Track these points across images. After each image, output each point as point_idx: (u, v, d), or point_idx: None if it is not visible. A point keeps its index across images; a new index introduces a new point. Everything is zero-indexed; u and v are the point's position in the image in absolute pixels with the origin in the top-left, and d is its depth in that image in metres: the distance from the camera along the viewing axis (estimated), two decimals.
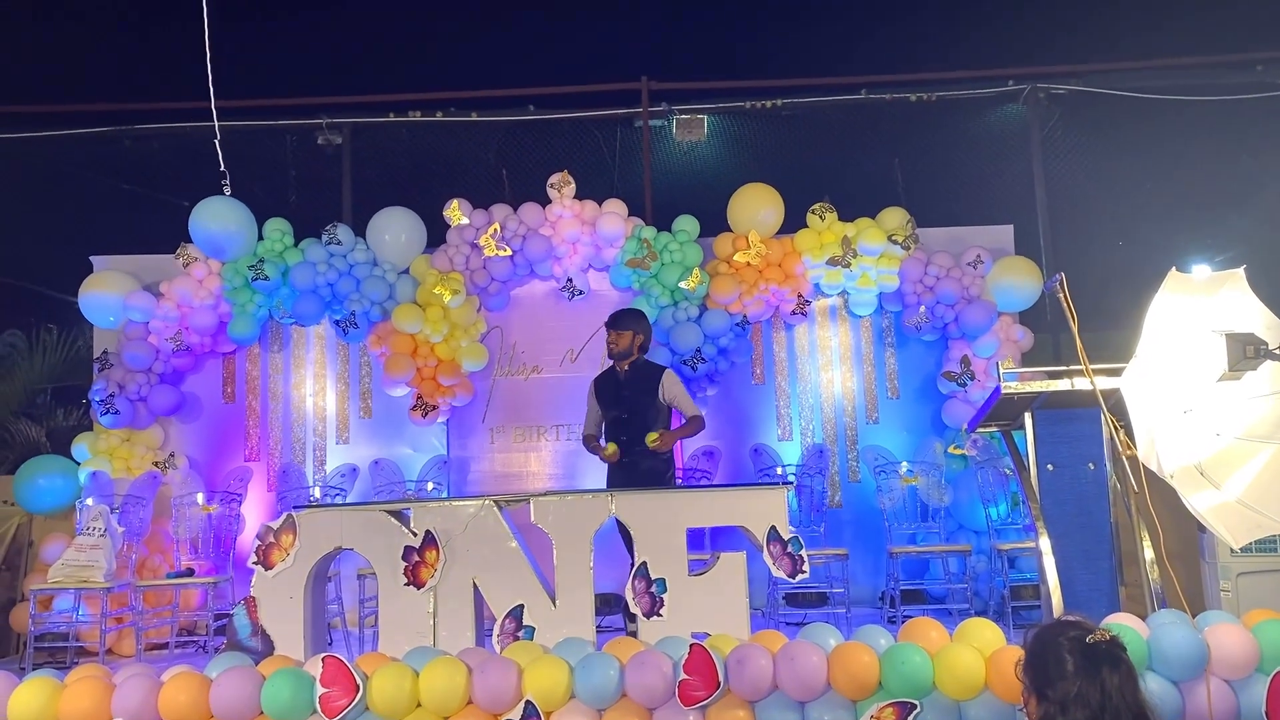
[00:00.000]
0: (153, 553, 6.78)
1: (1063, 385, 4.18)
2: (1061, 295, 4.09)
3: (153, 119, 8.70)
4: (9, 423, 8.18)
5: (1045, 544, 4.22)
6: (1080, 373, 4.09)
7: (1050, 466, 4.32)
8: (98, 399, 6.82)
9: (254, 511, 7.12)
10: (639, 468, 5.20)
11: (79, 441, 6.98)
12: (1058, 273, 4.13)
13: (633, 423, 5.29)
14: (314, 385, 7.43)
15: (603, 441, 5.44)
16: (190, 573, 6.40)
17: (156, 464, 7.03)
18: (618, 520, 4.28)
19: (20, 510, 7.01)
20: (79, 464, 6.90)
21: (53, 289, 9.91)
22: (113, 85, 9.99)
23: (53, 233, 9.35)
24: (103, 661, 5.94)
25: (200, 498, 6.70)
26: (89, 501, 6.30)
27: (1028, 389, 4.20)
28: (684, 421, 5.47)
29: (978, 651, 3.54)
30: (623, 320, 5.50)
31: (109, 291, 7.08)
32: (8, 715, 3.55)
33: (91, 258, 7.48)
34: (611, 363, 5.60)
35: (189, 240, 7.11)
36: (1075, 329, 4.04)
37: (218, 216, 6.98)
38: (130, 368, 6.92)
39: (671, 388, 5.44)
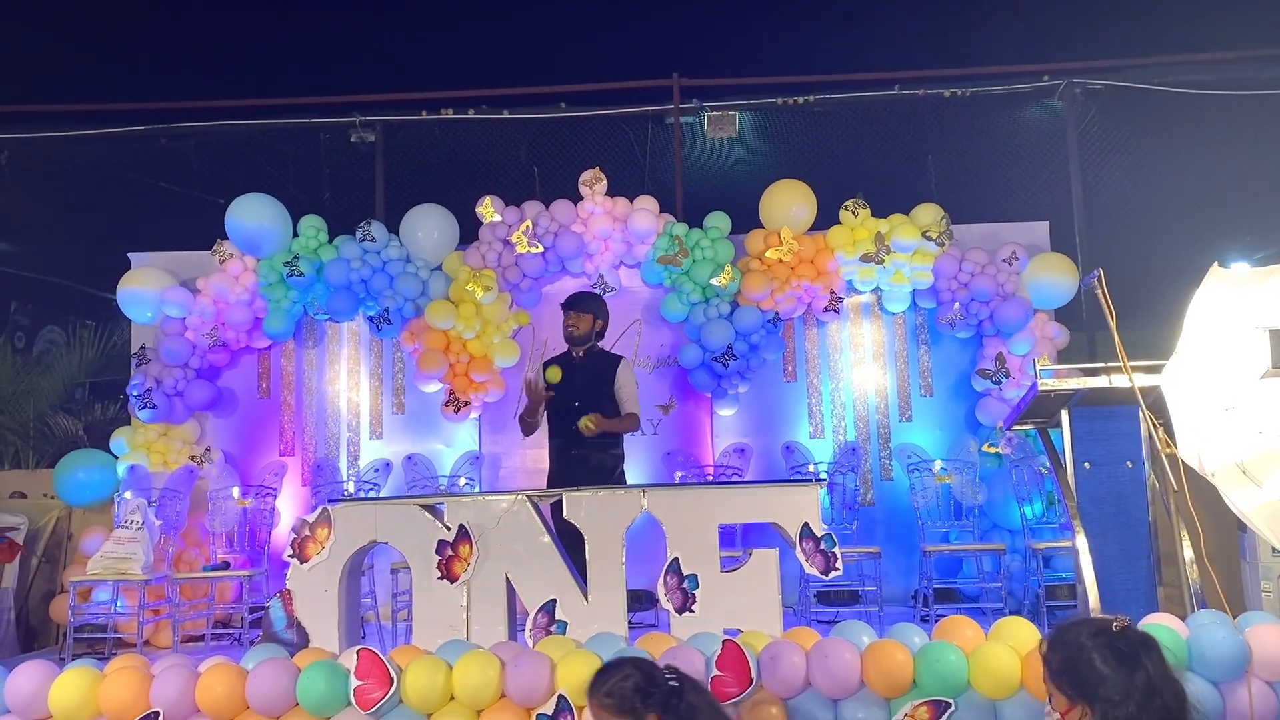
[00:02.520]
0: (189, 546, 6.86)
1: (1100, 382, 4.14)
2: (1100, 292, 4.04)
3: (189, 118, 8.83)
4: (48, 417, 8.29)
5: (1082, 543, 4.18)
6: (1119, 369, 4.04)
7: (1087, 465, 4.28)
8: (135, 393, 6.91)
9: (289, 505, 7.19)
10: (588, 462, 4.98)
11: (117, 435, 7.07)
12: (1096, 269, 4.08)
13: (585, 411, 5.00)
14: (348, 381, 7.49)
15: (545, 429, 5.21)
16: (226, 566, 6.46)
17: (193, 458, 7.11)
18: (561, 522, 4.22)
19: (60, 503, 7.12)
20: (117, 458, 6.99)
21: (91, 286, 10.07)
22: (149, 84, 10.13)
23: (91, 231, 9.49)
24: (140, 653, 6.00)
25: (235, 492, 6.77)
26: (127, 495, 6.38)
27: (1065, 386, 4.16)
28: (622, 416, 5.18)
29: (1013, 650, 3.50)
30: (583, 303, 5.26)
31: (146, 288, 7.17)
32: (49, 704, 3.60)
33: (129, 254, 7.57)
34: (566, 347, 5.35)
35: (225, 237, 7.18)
36: (1114, 325, 4.00)
37: (253, 213, 7.04)
38: (167, 363, 7.00)
39: (625, 378, 5.21)
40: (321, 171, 9.17)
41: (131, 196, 9.45)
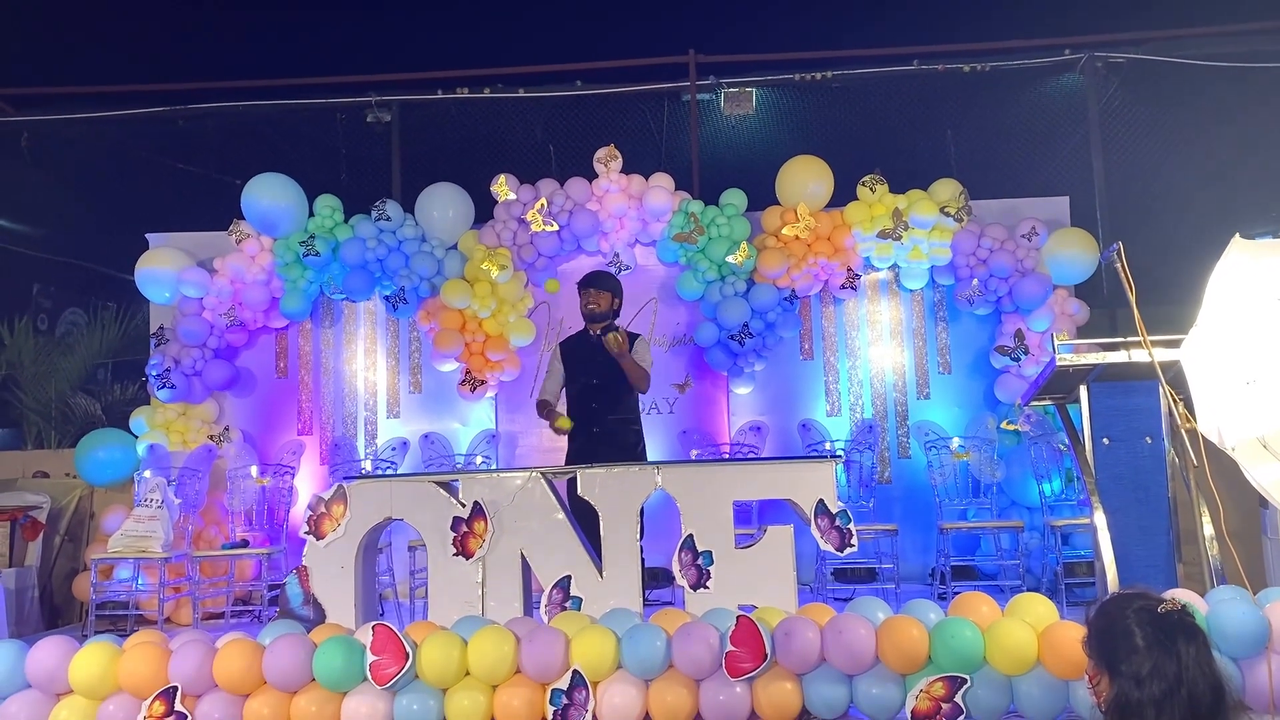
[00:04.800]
0: (209, 524, 6.91)
1: (1120, 357, 4.10)
2: (1119, 265, 3.99)
3: (206, 99, 8.84)
4: (68, 397, 8.36)
5: (1100, 519, 4.14)
6: (1138, 344, 4.00)
7: (1106, 440, 4.24)
8: (154, 373, 6.95)
9: (306, 484, 7.23)
10: (611, 440, 4.98)
11: (137, 415, 7.11)
12: (1116, 243, 4.03)
13: (605, 389, 5.04)
14: (365, 360, 7.50)
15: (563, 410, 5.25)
16: (245, 544, 6.51)
17: (211, 437, 7.15)
18: (576, 499, 4.23)
19: (82, 483, 7.19)
20: (137, 437, 7.04)
21: (111, 267, 10.11)
22: (166, 66, 10.14)
23: (110, 212, 9.52)
24: (161, 629, 6.06)
25: (254, 470, 6.80)
26: (146, 474, 6.43)
27: (1083, 361, 4.12)
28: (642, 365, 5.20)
29: (1030, 626, 3.49)
30: (603, 280, 5.26)
31: (164, 268, 7.20)
32: (69, 679, 3.64)
33: (147, 235, 7.59)
34: (582, 325, 5.36)
35: (242, 217, 7.19)
36: (1133, 299, 3.95)
37: (269, 193, 7.05)
38: (185, 343, 7.04)
39: (642, 352, 5.22)
40: (338, 152, 9.17)
41: (149, 178, 9.49)
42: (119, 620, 6.33)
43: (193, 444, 7.01)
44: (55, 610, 7.09)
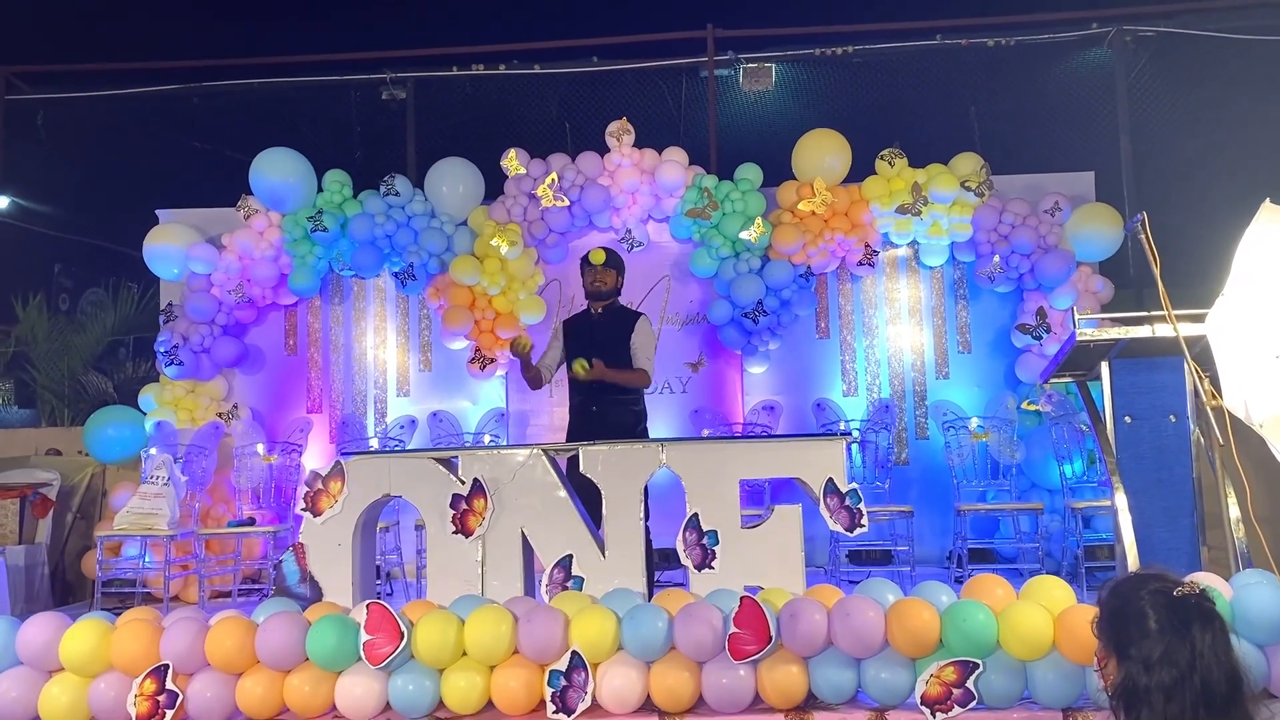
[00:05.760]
0: (217, 503, 6.87)
1: (1143, 331, 3.92)
2: (1143, 236, 3.83)
3: (220, 76, 8.83)
4: (81, 375, 8.34)
5: (1121, 500, 3.99)
6: (1162, 318, 3.83)
7: (1128, 419, 4.08)
8: (162, 350, 6.90)
9: (315, 462, 7.16)
10: (608, 418, 4.78)
11: (145, 392, 7.07)
12: (1140, 212, 3.87)
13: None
14: (374, 338, 7.43)
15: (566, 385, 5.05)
16: (251, 522, 6.45)
17: (220, 415, 7.10)
18: (578, 477, 4.10)
19: (94, 461, 7.16)
20: (145, 414, 6.99)
21: (130, 246, 10.10)
22: (181, 44, 10.11)
23: (126, 191, 9.52)
24: (166, 607, 6.03)
25: (260, 448, 6.75)
26: (152, 451, 6.38)
27: (1105, 336, 3.95)
28: (632, 369, 4.92)
29: (1046, 610, 3.35)
30: (612, 257, 5.08)
31: (171, 244, 7.13)
32: (60, 656, 3.57)
33: (157, 211, 7.54)
34: (585, 305, 5.19)
35: (251, 193, 7.11)
36: (1157, 271, 3.79)
37: (277, 167, 6.97)
38: (193, 319, 6.98)
39: (643, 334, 4.98)
40: (353, 130, 9.15)
41: (165, 156, 9.52)
42: (127, 598, 6.31)
43: (201, 421, 6.96)
44: (68, 588, 7.08)
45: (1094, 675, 3.27)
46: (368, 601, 3.50)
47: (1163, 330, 3.88)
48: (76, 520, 7.18)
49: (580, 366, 4.67)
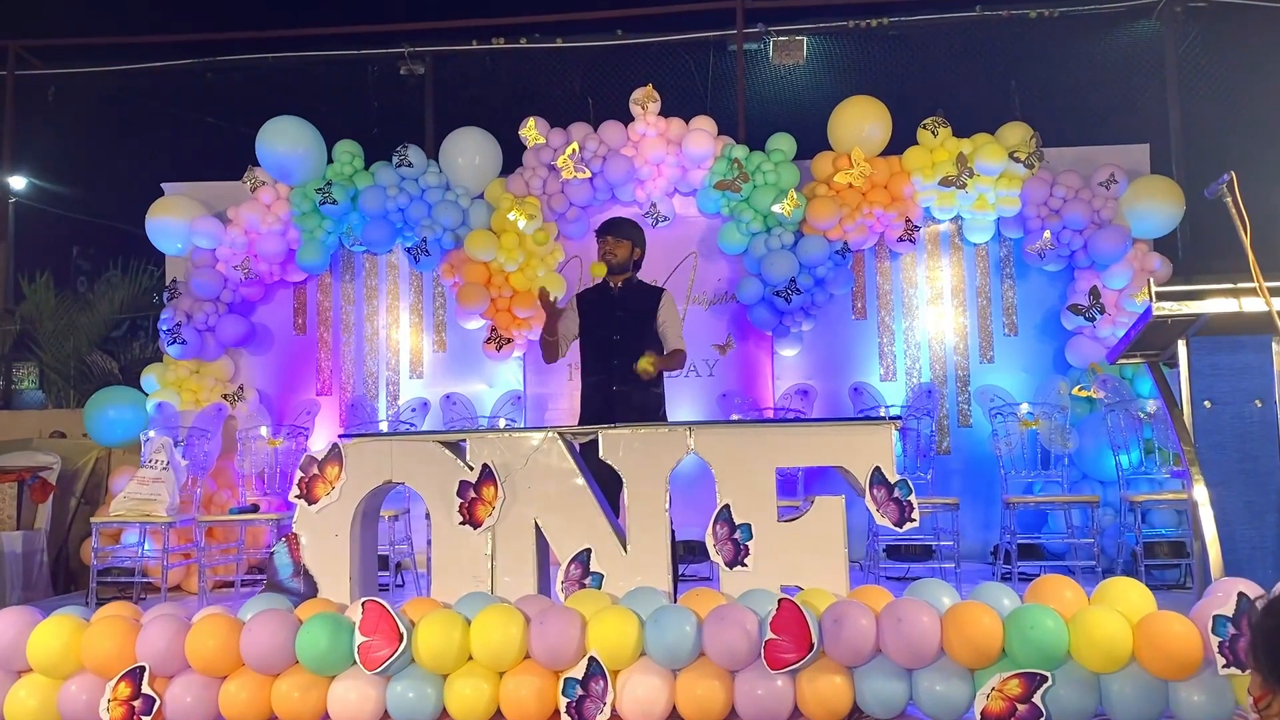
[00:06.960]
0: (220, 488, 6.56)
1: (1228, 305, 3.53)
2: (1229, 200, 3.42)
3: (234, 50, 8.68)
4: (86, 355, 8.08)
5: (1201, 493, 3.60)
6: (1252, 291, 3.43)
7: (1208, 403, 3.69)
8: (165, 328, 6.60)
9: (322, 446, 6.84)
10: (630, 400, 4.41)
11: (148, 373, 6.78)
12: (1227, 173, 3.46)
13: (627, 346, 4.46)
14: (387, 317, 7.10)
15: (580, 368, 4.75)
16: (255, 509, 6.13)
17: (225, 396, 6.79)
18: (598, 463, 3.73)
19: (99, 444, 6.88)
20: (148, 395, 6.69)
21: (139, 224, 9.87)
22: (194, 16, 9.87)
23: (140, 168, 9.32)
24: (165, 598, 5.74)
25: (264, 431, 6.43)
26: (151, 433, 6.08)
27: (1185, 310, 3.55)
28: (669, 352, 4.58)
29: (1123, 617, 2.98)
30: (622, 228, 4.68)
31: (175, 217, 6.84)
32: (27, 656, 3.26)
33: (163, 185, 7.23)
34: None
35: (259, 165, 6.80)
36: (1247, 239, 3.39)
37: (286, 137, 6.65)
38: (198, 296, 6.67)
39: (669, 311, 4.64)
40: (370, 105, 8.95)
41: (177, 132, 9.42)
42: (125, 588, 6.03)
43: (205, 403, 6.65)
44: (71, 576, 6.81)
45: (1180, 692, 2.90)
46: (364, 600, 3.17)
47: (1251, 305, 3.48)
48: (81, 505, 6.90)
49: (648, 363, 4.30)
